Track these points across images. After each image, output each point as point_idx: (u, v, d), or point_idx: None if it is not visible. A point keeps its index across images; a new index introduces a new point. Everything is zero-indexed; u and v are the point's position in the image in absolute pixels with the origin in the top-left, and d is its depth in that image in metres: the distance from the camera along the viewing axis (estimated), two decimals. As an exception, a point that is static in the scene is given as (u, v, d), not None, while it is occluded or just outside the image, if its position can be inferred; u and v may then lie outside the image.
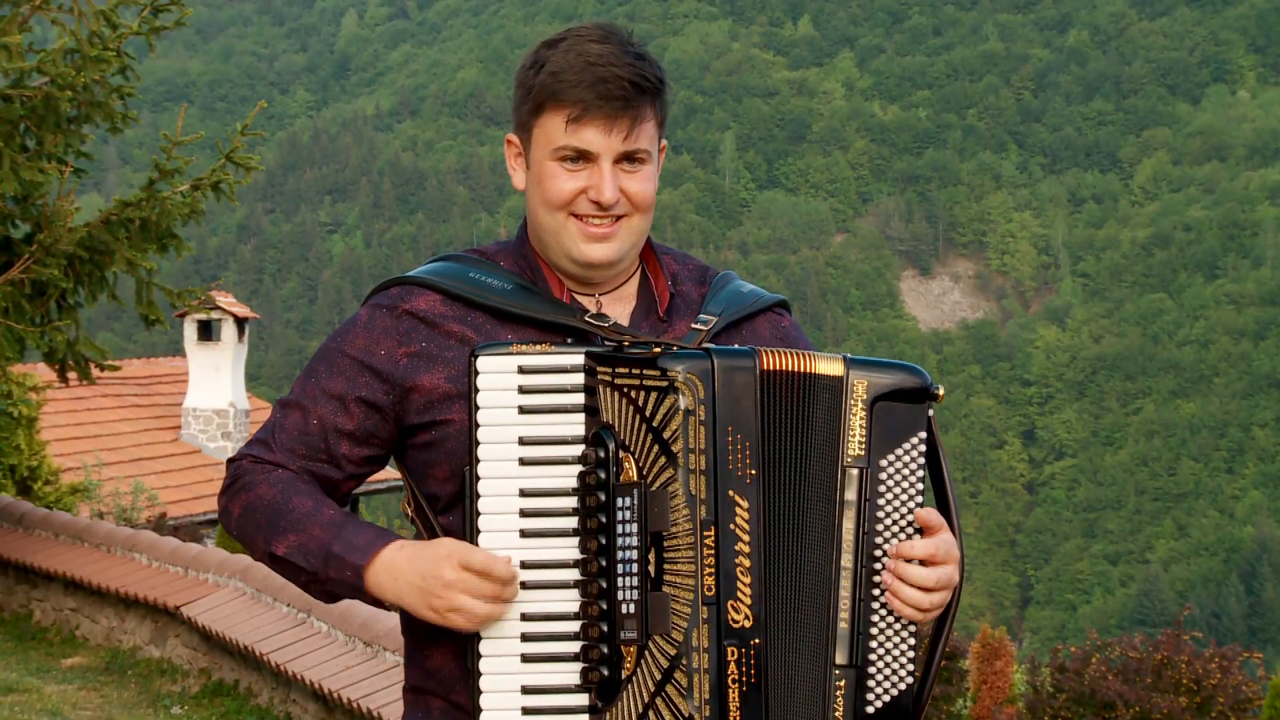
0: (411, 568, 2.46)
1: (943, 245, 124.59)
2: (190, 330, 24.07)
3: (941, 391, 2.54)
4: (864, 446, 2.48)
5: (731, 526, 2.40)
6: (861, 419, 2.49)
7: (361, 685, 7.82)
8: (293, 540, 2.54)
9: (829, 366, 2.49)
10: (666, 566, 2.39)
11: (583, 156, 2.55)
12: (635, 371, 2.43)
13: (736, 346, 2.50)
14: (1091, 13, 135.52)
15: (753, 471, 2.42)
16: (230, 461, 2.65)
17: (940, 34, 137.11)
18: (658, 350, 2.45)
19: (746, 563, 2.41)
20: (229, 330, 24.11)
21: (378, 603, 2.54)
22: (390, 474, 20.09)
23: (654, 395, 2.41)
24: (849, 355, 2.51)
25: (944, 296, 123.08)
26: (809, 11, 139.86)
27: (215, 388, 24.17)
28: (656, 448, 2.41)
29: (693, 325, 2.62)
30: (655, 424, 2.41)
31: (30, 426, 16.07)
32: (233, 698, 9.69)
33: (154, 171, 11.75)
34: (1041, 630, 75.56)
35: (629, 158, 2.57)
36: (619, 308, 2.65)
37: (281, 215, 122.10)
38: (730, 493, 2.41)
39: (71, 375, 12.08)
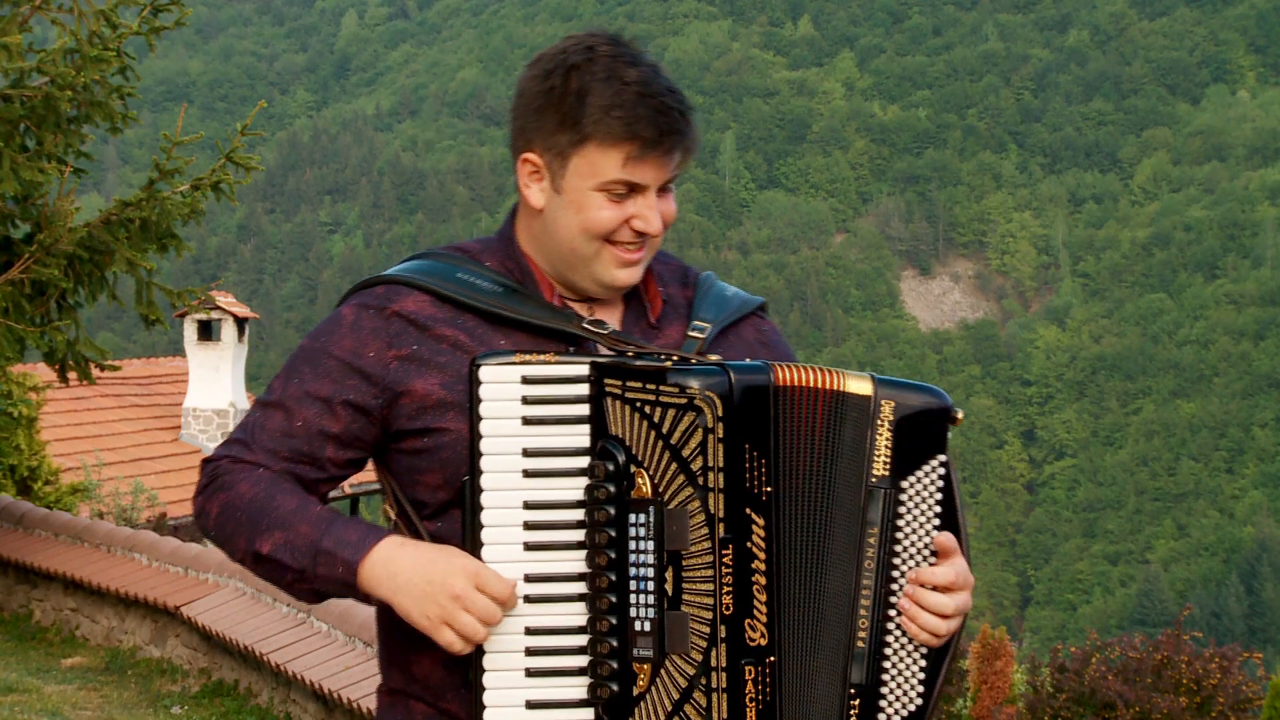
0: (415, 569, 2.42)
1: (943, 245, 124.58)
2: (190, 330, 24.07)
3: (960, 415, 2.52)
4: (888, 467, 2.46)
5: (748, 544, 2.38)
6: (887, 440, 2.47)
7: (361, 685, 7.82)
8: (279, 538, 2.47)
9: (859, 385, 2.47)
10: (685, 586, 2.36)
11: (632, 189, 2.51)
12: (650, 387, 2.38)
13: (749, 361, 2.46)
14: (1091, 13, 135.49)
15: (768, 489, 2.39)
16: (206, 461, 2.57)
17: (940, 34, 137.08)
18: (668, 364, 2.41)
19: (762, 580, 2.38)
20: (229, 330, 24.11)
21: (365, 599, 2.48)
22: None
23: (671, 412, 2.37)
24: (875, 375, 2.49)
25: (944, 296, 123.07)
26: (809, 11, 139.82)
27: (215, 388, 24.17)
28: (675, 466, 2.37)
29: (689, 333, 2.58)
30: (674, 442, 2.37)
31: (30, 426, 16.06)
32: (233, 698, 9.69)
33: (154, 171, 11.74)
34: (1041, 630, 75.51)
35: (667, 183, 2.55)
36: (608, 313, 2.60)
37: (281, 215, 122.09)
38: (747, 510, 2.38)
39: (71, 375, 12.08)
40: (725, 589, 2.36)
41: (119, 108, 11.93)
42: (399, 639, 2.57)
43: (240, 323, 24.28)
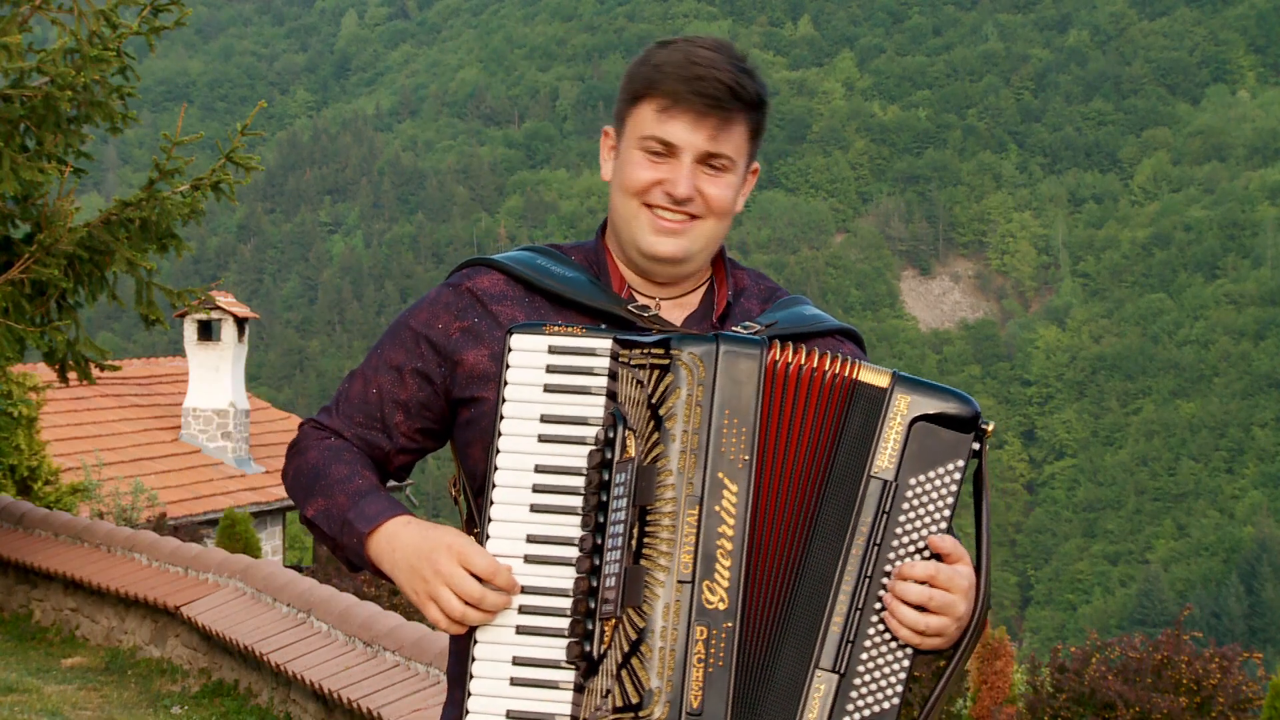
0: (410, 544, 2.51)
1: (943, 245, 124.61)
2: (190, 330, 24.09)
3: (991, 426, 2.53)
4: (894, 461, 2.47)
5: (717, 508, 2.41)
6: (898, 434, 2.48)
7: (361, 685, 7.82)
8: (321, 504, 2.63)
9: (872, 377, 2.49)
10: (646, 540, 2.41)
11: (667, 150, 2.59)
12: (645, 351, 2.47)
13: (749, 335, 2.51)
14: (1091, 13, 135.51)
15: (745, 457, 2.43)
16: (300, 425, 2.76)
17: (940, 34, 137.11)
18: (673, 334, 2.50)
19: (728, 545, 2.40)
20: (229, 330, 24.12)
21: (378, 573, 2.58)
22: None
23: (656, 373, 2.45)
24: (899, 371, 2.51)
25: (944, 296, 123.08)
26: (809, 11, 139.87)
27: (215, 388, 24.18)
28: (653, 424, 2.44)
29: (734, 329, 2.62)
30: (654, 401, 2.44)
31: (30, 426, 16.07)
32: (233, 698, 9.69)
33: (154, 171, 11.74)
34: (1041, 630, 75.51)
35: (711, 160, 2.60)
36: (677, 312, 2.68)
37: (281, 215, 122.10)
38: (720, 475, 2.42)
39: (71, 375, 12.08)
40: (685, 548, 2.39)
41: (119, 108, 11.93)
42: None
43: (240, 323, 24.29)
